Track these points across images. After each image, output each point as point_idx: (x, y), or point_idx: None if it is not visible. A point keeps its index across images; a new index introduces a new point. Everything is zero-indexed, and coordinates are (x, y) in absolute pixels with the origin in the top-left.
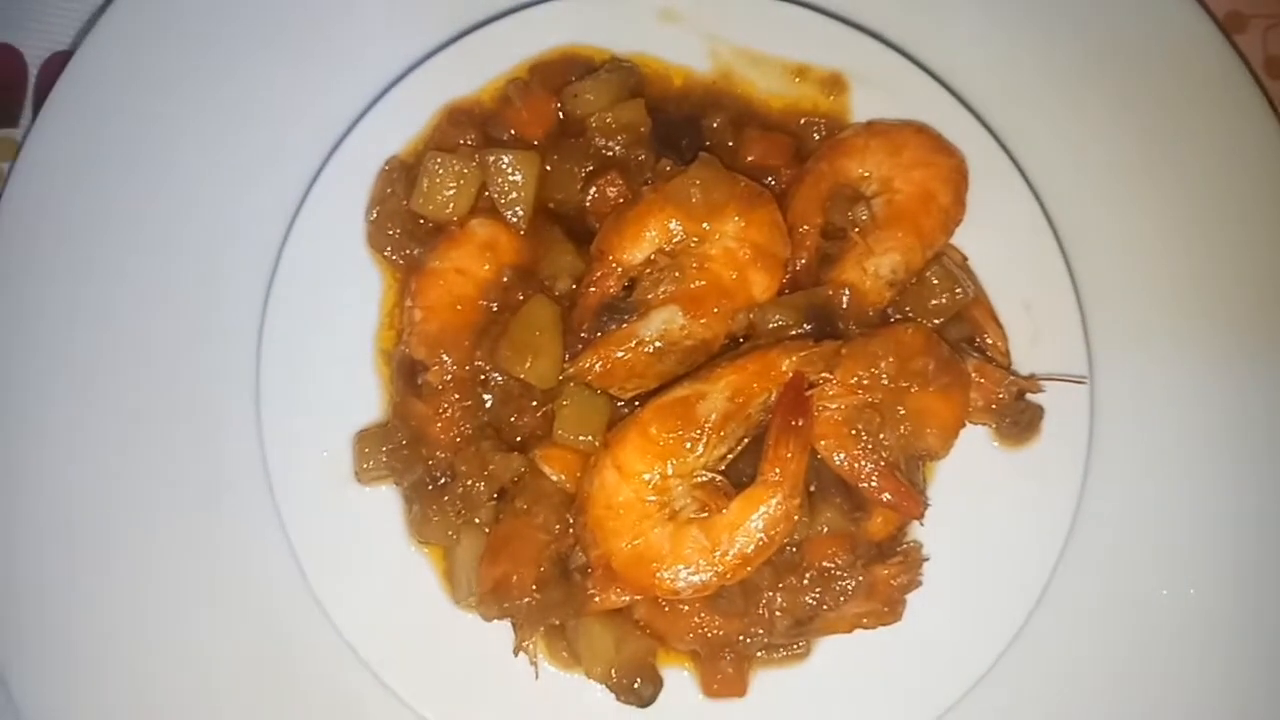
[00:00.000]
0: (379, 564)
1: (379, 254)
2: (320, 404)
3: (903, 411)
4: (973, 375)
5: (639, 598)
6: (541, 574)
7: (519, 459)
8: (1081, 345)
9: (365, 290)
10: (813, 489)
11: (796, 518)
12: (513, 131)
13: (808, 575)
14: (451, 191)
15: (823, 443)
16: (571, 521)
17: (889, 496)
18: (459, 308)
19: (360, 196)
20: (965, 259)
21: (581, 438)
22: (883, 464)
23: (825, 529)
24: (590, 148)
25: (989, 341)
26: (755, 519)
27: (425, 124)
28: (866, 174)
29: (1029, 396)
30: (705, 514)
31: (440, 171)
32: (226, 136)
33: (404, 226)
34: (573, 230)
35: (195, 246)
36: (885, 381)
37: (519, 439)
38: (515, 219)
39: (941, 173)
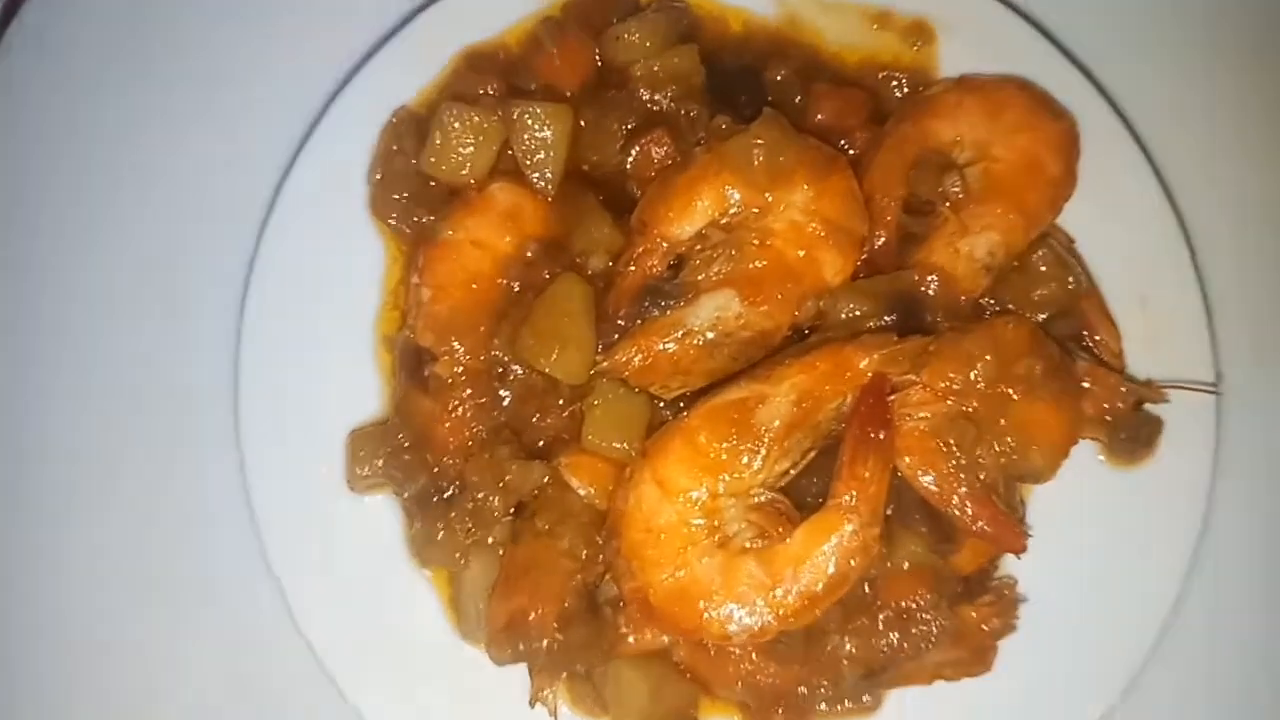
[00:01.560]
0: (372, 588)
1: (382, 221)
2: (308, 397)
3: (1003, 423)
4: (1084, 381)
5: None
6: (565, 610)
7: (541, 469)
8: (1207, 349)
9: (365, 264)
10: (889, 513)
11: (875, 550)
12: (542, 80)
13: (883, 617)
14: (469, 149)
15: (906, 459)
16: (602, 546)
17: (984, 526)
18: (474, 287)
19: (363, 154)
20: (1073, 242)
21: (616, 445)
22: (978, 486)
23: (906, 563)
24: (633, 101)
25: (1099, 341)
26: (825, 551)
27: (440, 70)
28: (958, 138)
29: (1147, 407)
30: (763, 543)
31: (456, 126)
32: (212, 82)
33: (412, 190)
34: (611, 198)
35: (174, 208)
36: (982, 387)
37: (541, 444)
38: (543, 183)
39: (1050, 138)
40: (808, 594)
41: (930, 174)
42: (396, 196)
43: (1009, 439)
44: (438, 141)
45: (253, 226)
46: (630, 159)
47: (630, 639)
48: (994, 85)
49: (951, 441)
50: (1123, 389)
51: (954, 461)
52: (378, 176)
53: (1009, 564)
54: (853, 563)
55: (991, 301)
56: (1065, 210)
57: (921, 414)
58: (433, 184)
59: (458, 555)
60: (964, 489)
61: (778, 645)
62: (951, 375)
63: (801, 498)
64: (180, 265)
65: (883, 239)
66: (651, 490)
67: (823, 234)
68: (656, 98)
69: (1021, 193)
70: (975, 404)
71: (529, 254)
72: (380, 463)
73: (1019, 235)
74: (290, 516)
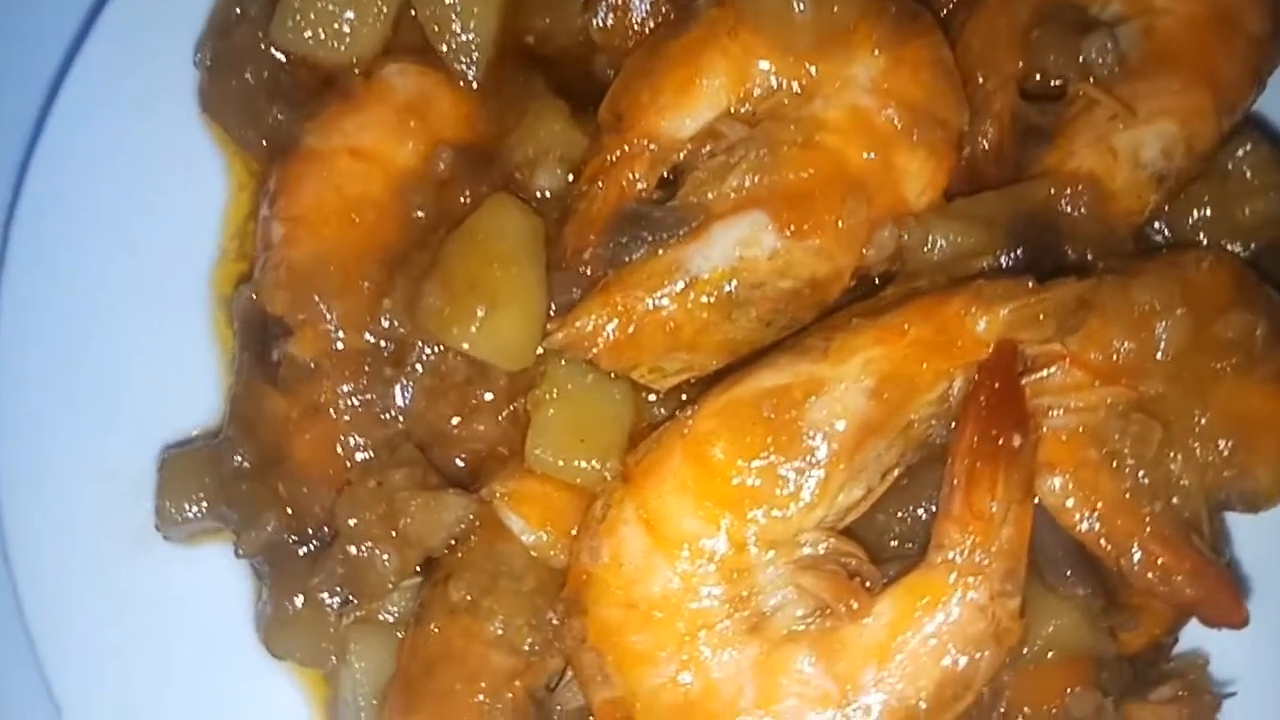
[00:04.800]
0: (202, 695)
1: (220, 127)
2: (97, 398)
3: (1203, 420)
4: None
5: None
6: None
7: (461, 503)
8: None
9: (195, 193)
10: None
11: (1016, 634)
12: None
13: None
14: (349, 16)
15: (1052, 481)
16: (558, 629)
17: (1184, 586)
18: (354, 219)
19: (188, 26)
20: None
21: (579, 464)
22: (1168, 523)
23: (1051, 650)
24: None
25: None
26: (928, 637)
27: None
28: None
29: None
30: (824, 624)
31: None
32: None
33: (265, 79)
34: (567, 82)
35: None
36: (1168, 360)
37: (462, 464)
38: (464, 64)
39: None
40: (902, 713)
41: (1061, 37)
42: (240, 88)
43: (1217, 442)
44: (298, 4)
45: (17, 141)
46: (597, 20)
47: None
48: None
49: (1125, 450)
50: None
51: (1130, 482)
52: (211, 59)
53: (1194, 635)
54: (979, 656)
55: (1165, 230)
56: (1272, 87)
57: (1075, 405)
58: (296, 69)
59: (325, 646)
60: (1149, 528)
61: None
62: (1119, 342)
63: (883, 544)
64: None
65: (992, 134)
66: (638, 537)
67: (901, 126)
68: None
69: (1207, 59)
70: (1159, 388)
71: (441, 167)
72: (205, 499)
73: (1207, 124)
74: (67, 583)
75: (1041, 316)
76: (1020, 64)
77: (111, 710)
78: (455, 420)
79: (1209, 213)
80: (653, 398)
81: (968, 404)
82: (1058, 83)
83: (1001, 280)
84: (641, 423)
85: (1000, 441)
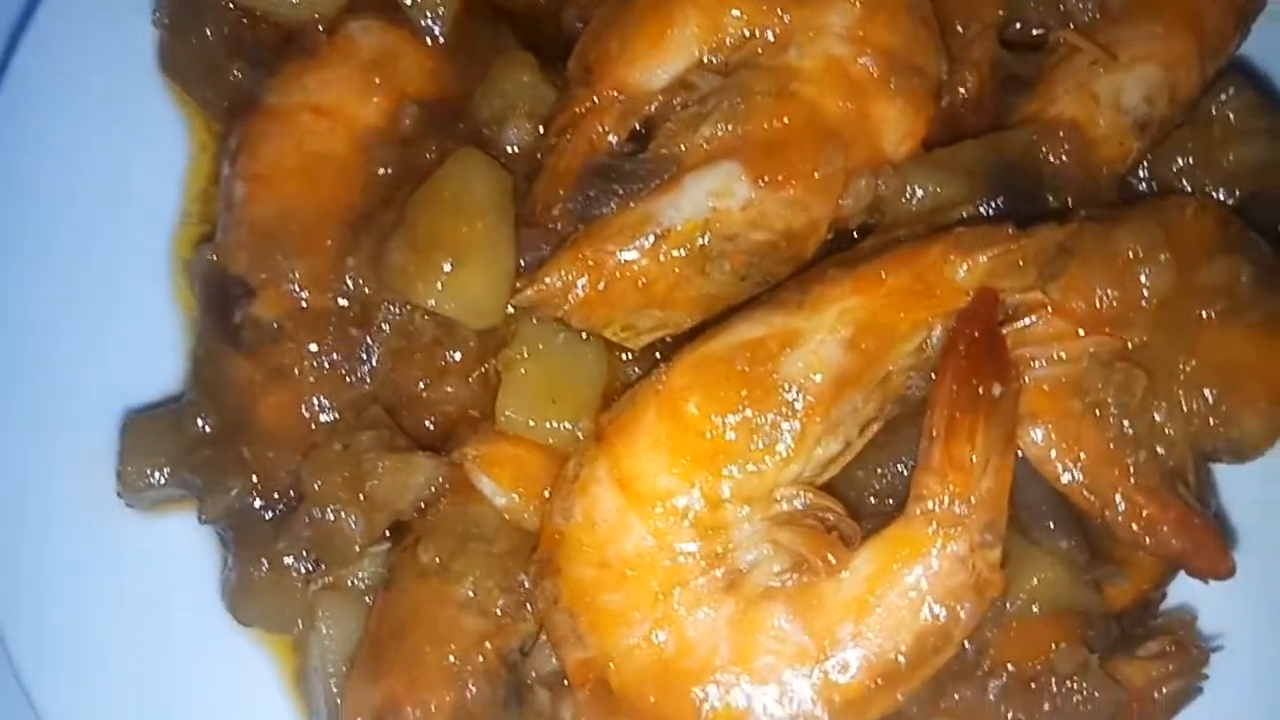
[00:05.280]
0: (170, 661)
1: (180, 87)
2: (61, 361)
3: (1189, 367)
4: None
5: None
6: (467, 702)
7: (430, 465)
8: None
9: (156, 154)
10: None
11: (997, 586)
12: None
13: (995, 687)
14: None
15: (1034, 432)
16: (530, 590)
17: (1170, 537)
18: (317, 177)
19: None
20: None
21: (550, 424)
22: (1155, 473)
23: (1036, 604)
24: None
25: None
26: (907, 590)
27: None
28: None
29: None
30: (801, 579)
31: None
32: None
33: (226, 36)
34: (535, 35)
35: None
36: (1153, 306)
37: (431, 427)
38: (430, 20)
39: None
40: (880, 667)
41: None
42: (201, 47)
43: (1203, 390)
44: None
45: None
46: None
47: None
48: None
49: (1108, 400)
50: None
51: (1114, 433)
52: (169, 17)
53: (1183, 590)
54: (959, 609)
55: (1148, 178)
56: (1256, 30)
57: (1057, 355)
58: (257, 26)
59: (291, 611)
60: (1133, 479)
61: None
62: (1102, 289)
63: (862, 501)
64: None
65: (971, 83)
66: (611, 496)
67: (878, 75)
68: None
69: (1191, 3)
70: (1143, 336)
71: (406, 123)
72: (168, 463)
73: (1191, 69)
74: (29, 552)
75: (1022, 263)
76: (1000, 12)
77: (77, 680)
78: (424, 382)
79: (1192, 160)
80: (627, 357)
81: (947, 353)
82: (1039, 32)
83: (981, 227)
84: (615, 383)
85: (980, 391)
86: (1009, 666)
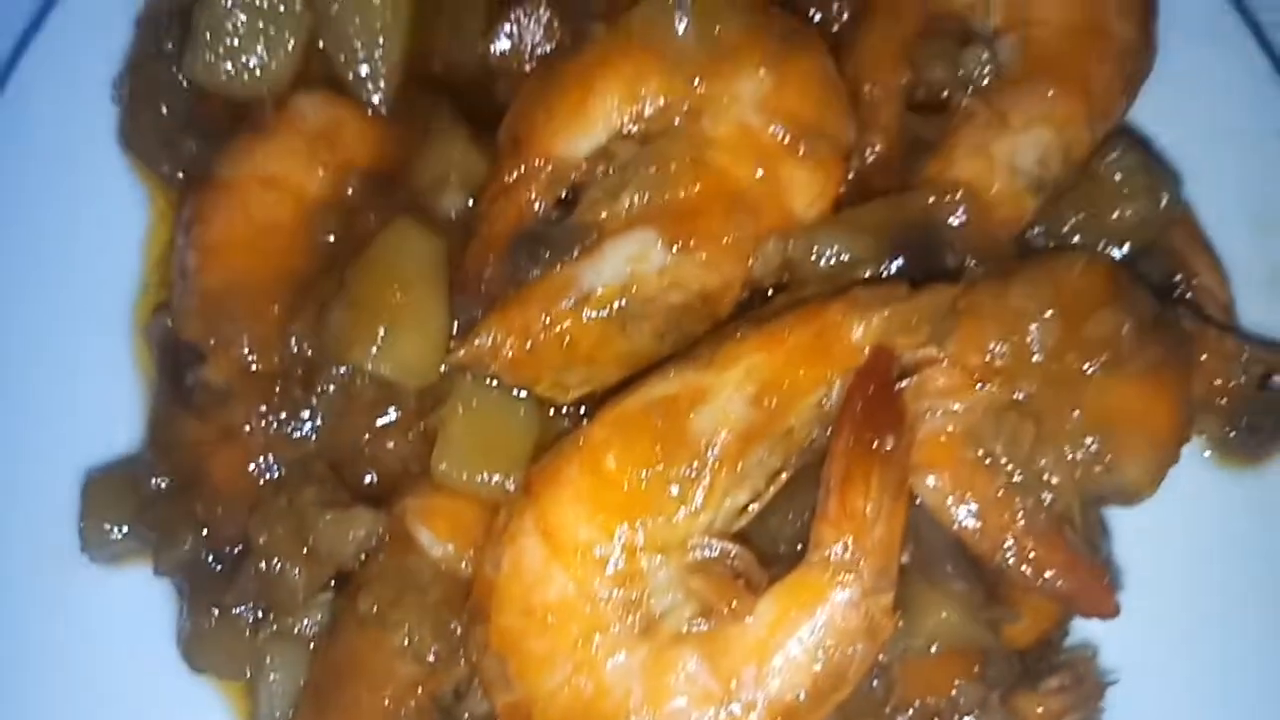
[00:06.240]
0: (133, 709)
1: (140, 161)
2: (24, 422)
3: (1076, 416)
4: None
5: None
6: None
7: (369, 518)
8: None
9: (117, 225)
10: (906, 562)
11: (887, 629)
12: None
13: None
14: (259, 49)
15: (930, 480)
16: (462, 637)
17: (1057, 580)
18: (264, 246)
19: (106, 59)
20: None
21: (482, 477)
22: (1042, 518)
23: (934, 644)
24: None
25: (1198, 286)
26: (806, 634)
27: None
28: None
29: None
30: (710, 624)
31: (239, 14)
32: None
33: (181, 113)
34: (470, 107)
35: None
36: (1041, 360)
37: (372, 482)
38: (372, 92)
39: None
40: (782, 706)
41: (943, 49)
42: (157, 122)
43: (1087, 440)
44: (207, 35)
45: None
46: (497, 46)
47: None
48: None
49: (998, 449)
50: (1244, 357)
51: (1004, 480)
52: (128, 94)
53: (1084, 627)
54: (852, 651)
55: (1042, 233)
56: (1142, 96)
57: (951, 407)
58: (210, 103)
59: (241, 658)
60: (1022, 522)
61: None
62: (993, 345)
63: (771, 549)
64: None
65: (878, 148)
66: (535, 547)
67: (788, 142)
68: None
69: (1081, 67)
70: (1032, 388)
71: (349, 192)
72: (125, 521)
73: (1081, 130)
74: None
75: (914, 321)
76: (906, 77)
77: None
78: (365, 438)
79: (1085, 216)
80: (562, 410)
81: (843, 408)
82: (946, 94)
83: (876, 287)
84: (548, 436)
85: (874, 444)
86: (915, 703)
